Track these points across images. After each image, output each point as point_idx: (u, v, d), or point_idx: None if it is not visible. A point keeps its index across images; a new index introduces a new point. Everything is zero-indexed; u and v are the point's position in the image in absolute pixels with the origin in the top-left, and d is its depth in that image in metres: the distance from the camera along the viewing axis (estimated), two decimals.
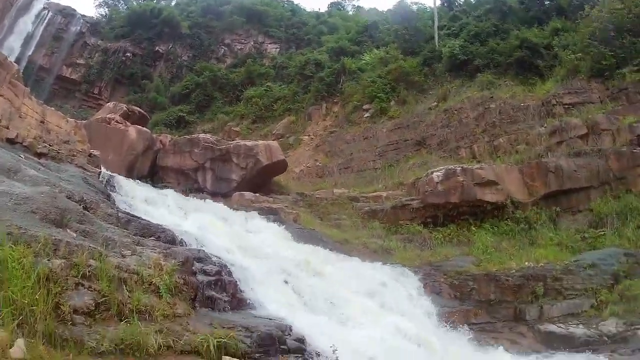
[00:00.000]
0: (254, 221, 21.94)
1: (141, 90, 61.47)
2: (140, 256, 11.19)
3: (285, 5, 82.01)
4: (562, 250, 20.52)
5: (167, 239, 14.68)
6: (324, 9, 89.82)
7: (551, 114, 29.80)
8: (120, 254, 10.87)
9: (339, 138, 40.92)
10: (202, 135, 33.80)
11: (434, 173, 24.64)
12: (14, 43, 60.79)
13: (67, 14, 67.40)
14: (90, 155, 22.22)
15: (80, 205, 13.14)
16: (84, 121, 30.38)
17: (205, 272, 12.77)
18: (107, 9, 78.57)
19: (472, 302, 18.14)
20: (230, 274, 13.40)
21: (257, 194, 28.07)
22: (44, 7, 65.47)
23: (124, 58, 65.10)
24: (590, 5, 33.83)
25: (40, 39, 63.50)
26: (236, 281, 13.11)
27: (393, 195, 27.78)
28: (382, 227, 24.85)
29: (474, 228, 23.56)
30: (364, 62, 48.96)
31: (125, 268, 9.96)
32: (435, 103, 37.97)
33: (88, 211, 13.18)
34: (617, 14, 30.37)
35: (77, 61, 65.10)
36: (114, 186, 20.10)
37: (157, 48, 67.07)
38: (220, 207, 23.22)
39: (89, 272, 9.01)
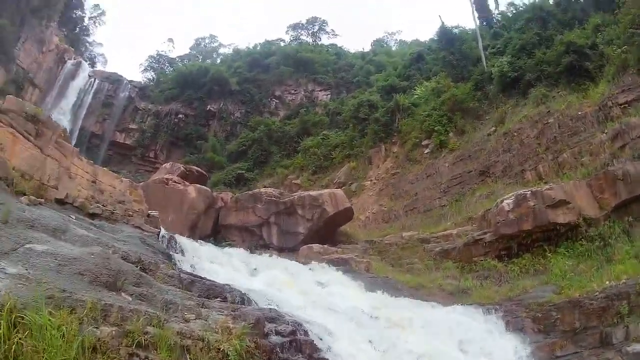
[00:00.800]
0: (325, 274, 21.72)
1: (197, 150, 62.55)
2: (206, 320, 10.60)
3: (329, 49, 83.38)
4: None
5: (234, 299, 14.09)
6: (367, 47, 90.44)
7: (609, 118, 28.50)
8: (182, 319, 10.29)
9: (401, 179, 40.73)
10: (264, 190, 34.06)
11: (504, 201, 23.93)
12: (64, 113, 62.47)
13: (114, 80, 69.80)
14: (148, 215, 21.85)
15: (137, 266, 12.62)
16: (141, 183, 30.82)
17: (278, 333, 12.04)
18: (153, 73, 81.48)
19: (557, 334, 17.27)
20: (305, 332, 12.65)
21: (326, 245, 27.72)
22: (89, 76, 67.62)
23: (176, 120, 67.13)
24: None
25: (90, 106, 65.75)
26: (312, 340, 12.32)
27: (463, 231, 27.16)
28: (456, 266, 24.39)
29: (549, 254, 22.58)
30: (416, 96, 49.00)
31: (189, 334, 9.28)
32: (494, 128, 37.53)
33: (146, 273, 12.67)
34: None
35: (130, 126, 67.33)
36: (175, 247, 19.83)
37: (208, 107, 68.69)
38: (288, 262, 23.09)
39: (145, 340, 8.27)
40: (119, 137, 66.40)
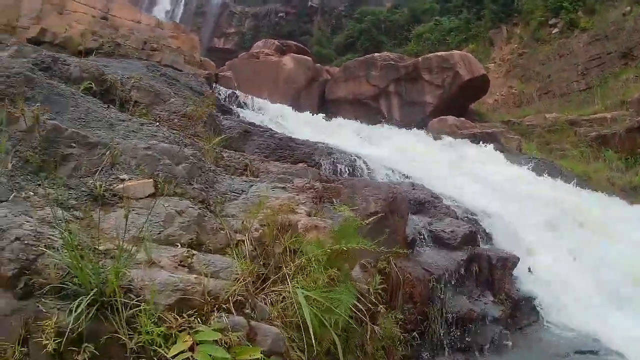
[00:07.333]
0: (477, 150, 16.32)
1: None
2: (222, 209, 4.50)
3: None
4: None
5: (336, 166, 8.34)
6: None
7: None
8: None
9: (530, 60, 35.81)
10: (378, 54, 27.88)
11: None
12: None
13: None
14: (216, 75, 16.92)
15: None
16: (227, 62, 26.19)
17: (438, 239, 6.55)
18: None
19: None
20: (490, 239, 7.48)
21: (462, 118, 22.17)
22: None
23: (277, 19, 61.94)
24: None
25: (182, 17, 60.23)
26: (514, 261, 6.86)
27: (619, 115, 22.33)
28: (617, 157, 19.69)
29: None
30: None
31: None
32: (629, 7, 31.80)
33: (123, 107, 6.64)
34: None
35: (227, 31, 62.15)
36: (245, 103, 14.46)
37: (309, 3, 63.10)
38: (421, 134, 17.64)
39: None
40: (217, 43, 61.25)
